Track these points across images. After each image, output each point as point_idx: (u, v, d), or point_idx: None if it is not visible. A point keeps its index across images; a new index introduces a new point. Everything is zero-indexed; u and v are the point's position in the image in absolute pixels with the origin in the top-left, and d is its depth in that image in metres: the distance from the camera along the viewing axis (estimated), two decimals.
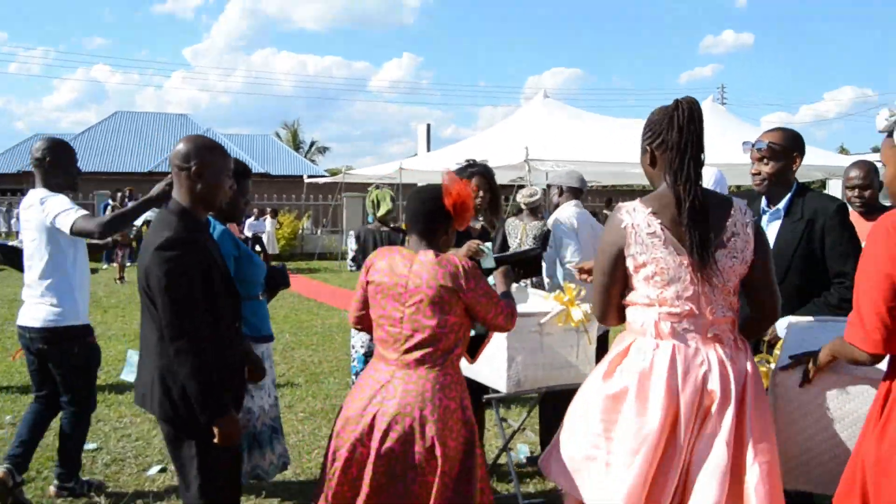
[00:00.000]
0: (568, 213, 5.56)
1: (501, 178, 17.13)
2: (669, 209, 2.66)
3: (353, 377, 6.74)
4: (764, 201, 3.68)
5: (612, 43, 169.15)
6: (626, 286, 2.77)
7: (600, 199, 26.26)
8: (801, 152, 3.61)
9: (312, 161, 50.09)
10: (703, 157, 2.69)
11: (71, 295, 4.21)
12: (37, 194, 4.22)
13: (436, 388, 2.88)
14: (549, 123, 17.38)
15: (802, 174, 19.21)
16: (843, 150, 46.18)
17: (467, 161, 4.73)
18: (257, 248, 19.86)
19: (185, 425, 2.94)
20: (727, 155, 16.18)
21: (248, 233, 20.09)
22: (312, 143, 57.38)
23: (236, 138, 43.40)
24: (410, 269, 2.95)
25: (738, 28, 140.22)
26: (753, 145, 3.66)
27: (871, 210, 4.71)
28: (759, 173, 3.62)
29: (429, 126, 26.05)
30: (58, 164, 4.30)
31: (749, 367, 2.67)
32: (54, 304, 4.17)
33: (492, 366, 3.88)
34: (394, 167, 17.58)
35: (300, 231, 24.80)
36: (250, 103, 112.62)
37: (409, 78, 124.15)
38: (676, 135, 2.65)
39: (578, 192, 5.74)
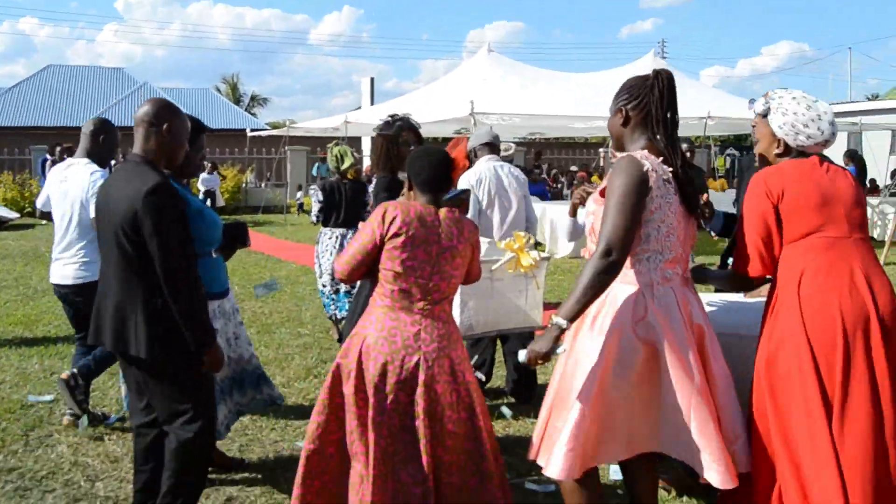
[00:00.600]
0: (476, 168, 5.69)
1: (447, 131, 17.25)
2: (667, 163, 2.94)
3: (332, 316, 6.90)
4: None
5: None
6: None
7: (556, 152, 26.61)
8: None
9: (252, 114, 49.34)
10: (678, 119, 3.02)
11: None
12: (88, 168, 4.74)
13: (455, 330, 3.22)
14: (494, 77, 17.44)
15: (738, 128, 19.66)
16: None
17: (390, 116, 4.73)
18: (208, 202, 19.71)
19: (170, 362, 3.18)
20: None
21: (201, 187, 19.94)
22: (253, 97, 56.54)
23: (175, 92, 42.52)
24: (439, 222, 3.13)
25: None
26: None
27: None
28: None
29: (372, 80, 25.96)
30: (111, 143, 4.95)
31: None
32: (85, 263, 4.70)
33: None
34: (339, 120, 17.51)
35: (244, 185, 24.59)
36: (187, 57, 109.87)
37: (350, 31, 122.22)
38: (659, 100, 2.95)
39: (492, 146, 5.85)
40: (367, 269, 3.18)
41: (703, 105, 15.83)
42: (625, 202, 2.79)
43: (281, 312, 8.55)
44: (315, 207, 6.90)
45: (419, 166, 3.22)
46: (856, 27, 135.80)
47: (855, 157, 16.32)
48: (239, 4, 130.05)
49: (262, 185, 26.54)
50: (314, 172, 23.34)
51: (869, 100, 39.70)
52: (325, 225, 6.96)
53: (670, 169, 2.91)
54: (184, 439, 3.25)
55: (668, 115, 2.97)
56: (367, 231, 3.12)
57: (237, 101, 51.48)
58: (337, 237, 6.88)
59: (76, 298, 4.75)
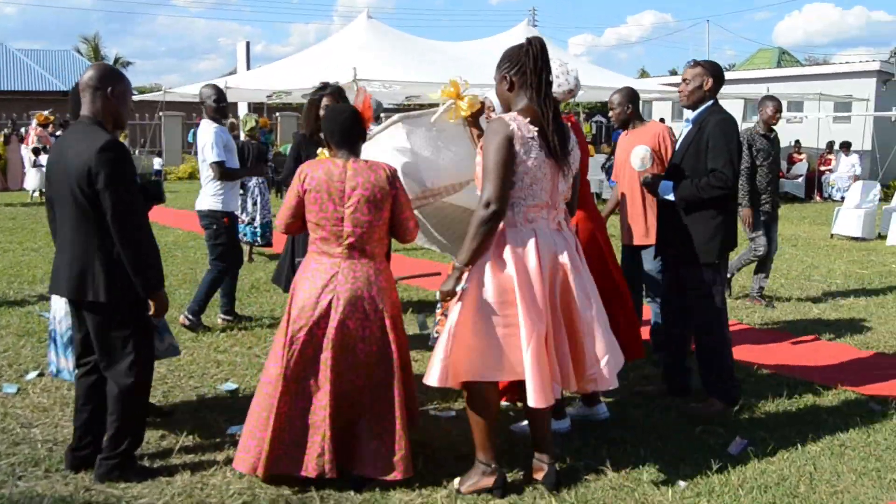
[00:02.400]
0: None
1: None
2: (536, 121, 3.42)
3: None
4: (686, 114, 4.83)
5: None
6: None
7: None
8: (712, 76, 4.65)
9: None
10: (552, 79, 3.52)
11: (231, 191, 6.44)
12: (212, 126, 6.23)
13: (377, 272, 3.64)
14: (373, 44, 17.73)
15: (605, 96, 20.73)
16: (643, 73, 49.14)
17: (322, 83, 5.37)
18: None
19: (123, 308, 3.55)
20: None
21: None
22: (117, 59, 54.27)
23: (34, 54, 40.52)
24: (346, 174, 3.57)
25: None
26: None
27: (625, 126, 5.74)
28: (682, 91, 4.77)
29: (248, 44, 25.58)
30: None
31: (575, 241, 3.70)
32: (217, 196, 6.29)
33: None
34: (219, 85, 17.40)
35: None
36: (41, 15, 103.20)
37: None
38: (533, 64, 3.43)
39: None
40: (300, 222, 3.66)
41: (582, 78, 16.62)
42: (496, 159, 3.33)
43: (177, 275, 8.74)
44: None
45: (330, 126, 3.71)
46: (712, 0, 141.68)
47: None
48: None
49: (136, 151, 25.89)
50: (190, 139, 22.99)
51: (726, 70, 42.00)
52: None
53: (536, 128, 3.39)
54: (124, 385, 3.63)
55: (543, 77, 3.45)
56: (292, 188, 3.63)
57: None
58: (252, 183, 9.77)
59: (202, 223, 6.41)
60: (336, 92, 5.46)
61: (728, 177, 4.44)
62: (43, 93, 34.88)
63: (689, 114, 4.74)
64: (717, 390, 4.67)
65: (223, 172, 6.15)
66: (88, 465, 3.79)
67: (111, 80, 3.60)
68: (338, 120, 3.70)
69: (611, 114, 5.80)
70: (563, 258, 3.51)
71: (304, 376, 3.58)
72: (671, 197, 4.63)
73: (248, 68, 25.23)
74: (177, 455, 4.03)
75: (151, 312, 3.63)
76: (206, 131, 6.23)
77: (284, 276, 5.80)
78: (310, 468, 3.57)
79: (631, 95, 5.68)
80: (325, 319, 3.55)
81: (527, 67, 3.45)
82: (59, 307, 4.35)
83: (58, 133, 19.68)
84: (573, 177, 3.70)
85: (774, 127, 7.47)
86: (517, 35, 20.96)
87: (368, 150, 3.93)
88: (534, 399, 3.34)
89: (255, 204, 9.72)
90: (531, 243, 3.42)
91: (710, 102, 4.66)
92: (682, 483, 3.76)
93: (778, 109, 7.40)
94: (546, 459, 3.67)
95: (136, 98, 23.37)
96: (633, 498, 3.63)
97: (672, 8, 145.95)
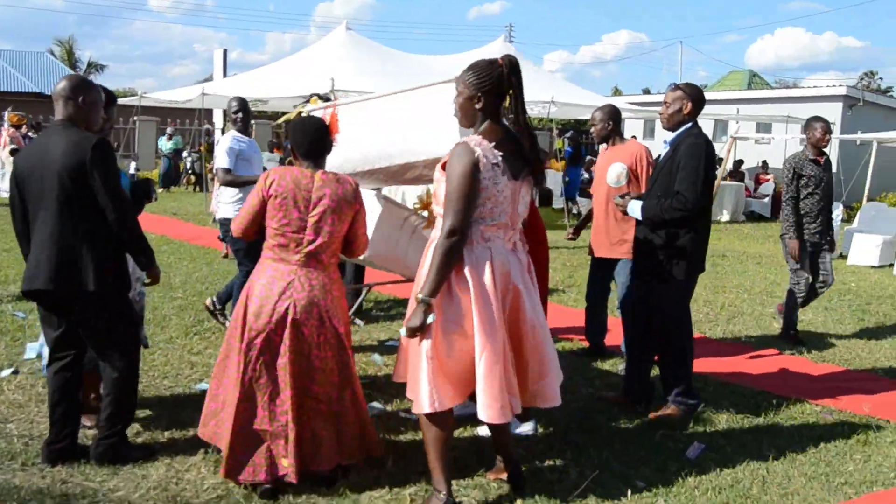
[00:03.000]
0: None
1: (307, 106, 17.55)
2: (505, 143, 3.40)
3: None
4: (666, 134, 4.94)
5: None
6: None
7: None
8: (692, 100, 4.77)
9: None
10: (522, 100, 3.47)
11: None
12: (230, 134, 6.51)
13: (331, 282, 3.73)
14: (351, 56, 17.88)
15: (577, 114, 20.90)
16: (616, 91, 49.73)
17: (313, 94, 5.54)
18: None
19: (111, 296, 3.80)
20: None
21: None
22: (90, 63, 53.92)
23: (6, 54, 40.09)
24: (313, 184, 3.66)
25: None
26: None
27: (605, 141, 5.96)
28: (663, 114, 4.86)
29: (225, 51, 25.51)
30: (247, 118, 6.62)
31: (527, 260, 3.65)
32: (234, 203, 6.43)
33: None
34: (195, 92, 17.45)
35: None
36: (10, 15, 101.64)
37: None
38: (505, 83, 3.39)
39: None
40: (258, 227, 3.77)
41: (547, 91, 16.95)
42: (461, 187, 3.28)
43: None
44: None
45: (297, 137, 3.81)
46: (687, 22, 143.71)
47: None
48: None
49: None
50: (160, 146, 22.91)
51: None
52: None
53: (500, 153, 3.34)
54: (118, 367, 3.87)
55: (519, 97, 3.42)
56: (255, 193, 3.73)
57: (73, 66, 48.96)
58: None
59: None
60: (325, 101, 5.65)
61: (688, 199, 4.55)
62: (15, 94, 34.56)
63: (669, 135, 4.87)
64: (678, 398, 4.85)
65: (225, 179, 6.32)
66: (65, 459, 3.90)
67: (82, 89, 3.83)
68: (308, 131, 3.79)
69: (592, 129, 5.97)
70: (516, 278, 3.50)
71: (264, 381, 3.66)
72: (639, 216, 4.80)
73: (225, 75, 25.24)
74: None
75: (149, 282, 4.16)
76: (223, 139, 6.52)
77: None
78: (268, 472, 3.66)
79: (613, 113, 5.90)
80: (283, 325, 3.62)
81: (501, 88, 3.40)
82: None
83: (30, 134, 19.62)
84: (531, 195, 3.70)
85: (825, 149, 6.76)
86: (494, 50, 21.22)
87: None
88: (484, 413, 3.37)
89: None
90: (486, 262, 3.40)
91: (689, 125, 4.79)
92: (640, 483, 3.92)
93: (827, 131, 6.67)
94: (509, 461, 3.79)
95: None
96: (595, 496, 3.78)
97: (646, 28, 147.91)
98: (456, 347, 3.40)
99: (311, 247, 3.67)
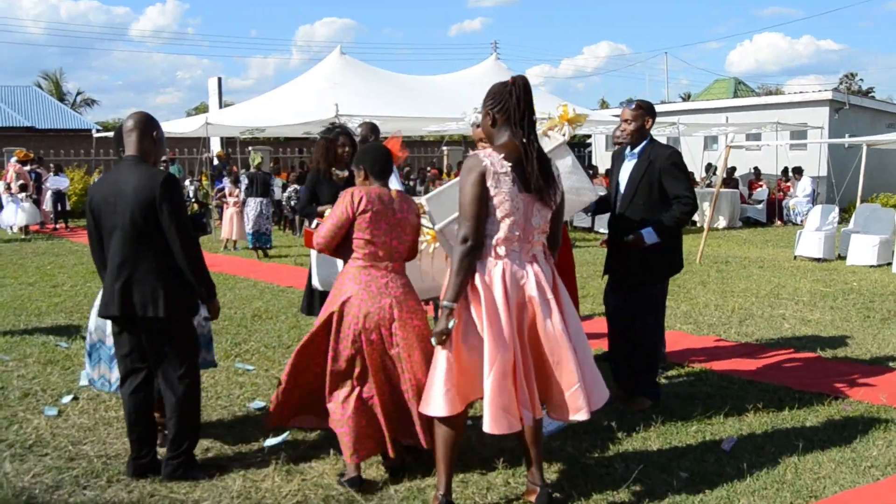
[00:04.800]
0: None
1: (313, 131, 17.94)
2: (514, 155, 3.59)
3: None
4: (628, 149, 5.34)
5: None
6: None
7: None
8: (650, 115, 5.30)
9: (79, 113, 47.24)
10: (535, 118, 3.70)
11: None
12: None
13: (409, 284, 4.19)
14: (349, 80, 18.24)
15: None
16: (603, 104, 50.29)
17: (332, 124, 5.88)
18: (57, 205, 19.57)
19: (177, 323, 4.10)
20: None
21: (51, 188, 19.66)
22: (78, 93, 54.20)
23: None
24: (394, 201, 4.12)
25: None
26: (624, 108, 5.37)
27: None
28: (625, 130, 5.28)
29: (220, 79, 25.93)
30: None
31: (552, 274, 3.77)
32: None
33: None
34: (198, 122, 17.75)
35: None
36: None
37: (175, 25, 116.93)
38: (516, 102, 3.63)
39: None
40: (341, 240, 4.13)
41: (538, 107, 17.37)
42: (470, 196, 3.52)
43: None
44: (244, 186, 14.87)
45: (372, 159, 4.23)
46: (669, 31, 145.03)
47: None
48: None
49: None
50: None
51: (683, 99, 43.22)
52: (249, 196, 14.51)
53: (509, 164, 3.53)
54: (182, 392, 4.12)
55: (526, 115, 3.64)
56: (341, 209, 4.08)
57: (61, 100, 49.15)
58: (258, 202, 14.31)
59: None
60: (348, 131, 5.94)
61: (690, 198, 5.13)
62: (7, 129, 34.75)
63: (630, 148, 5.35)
64: (648, 390, 5.31)
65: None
66: (149, 472, 4.18)
67: (154, 125, 4.22)
68: (379, 155, 4.25)
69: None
70: (532, 291, 3.62)
71: (383, 368, 4.08)
72: (658, 238, 5.13)
73: (220, 103, 25.62)
74: (224, 464, 4.40)
75: (210, 316, 4.39)
76: None
77: (311, 303, 6.17)
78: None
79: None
80: (390, 319, 4.04)
81: (510, 105, 3.63)
82: (104, 325, 4.71)
83: (37, 169, 19.88)
84: (555, 210, 3.76)
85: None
86: (486, 68, 21.69)
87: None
88: (488, 425, 3.51)
89: (251, 216, 14.19)
90: (498, 275, 3.56)
91: (649, 137, 5.34)
92: (683, 474, 4.22)
93: None
94: (537, 482, 3.86)
95: (101, 135, 23.52)
96: (643, 485, 4.09)
97: (626, 39, 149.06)
98: (464, 357, 3.59)
99: (397, 254, 4.14)
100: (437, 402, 3.61)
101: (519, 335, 3.62)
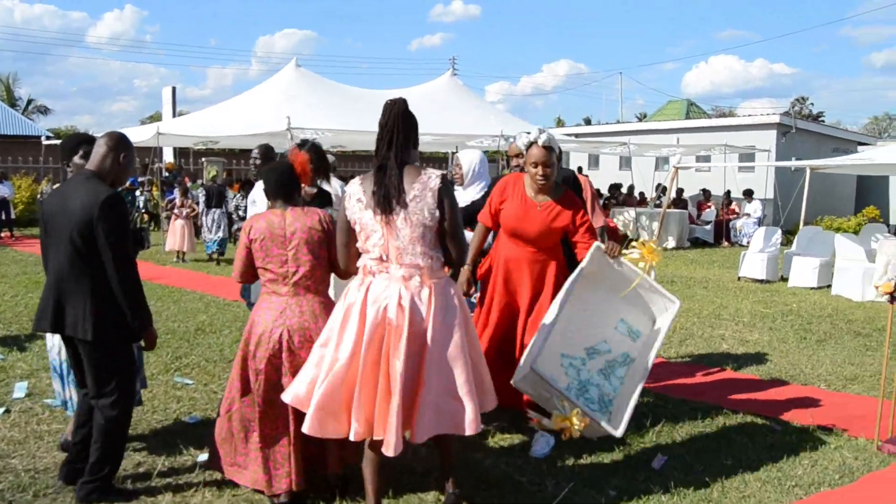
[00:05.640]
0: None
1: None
2: (370, 178, 3.70)
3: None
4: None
5: (343, 5, 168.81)
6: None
7: (351, 164, 27.67)
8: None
9: (31, 120, 46.29)
10: (410, 139, 3.71)
11: None
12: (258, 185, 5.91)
13: (322, 306, 4.07)
14: (301, 93, 18.23)
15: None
16: (560, 122, 50.80)
17: (303, 139, 5.78)
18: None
19: (107, 346, 3.95)
20: (461, 126, 18.06)
21: None
22: (30, 101, 53.13)
23: None
24: (285, 222, 4.03)
25: None
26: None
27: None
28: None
29: (174, 89, 25.72)
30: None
31: (436, 300, 3.65)
32: None
33: None
34: (150, 132, 17.58)
35: (40, 195, 23.67)
36: None
37: (133, 32, 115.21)
38: (383, 121, 3.70)
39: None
40: (252, 270, 4.13)
41: (496, 125, 17.64)
42: (339, 223, 3.87)
43: None
44: (202, 198, 15.42)
45: (268, 181, 4.19)
46: (628, 51, 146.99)
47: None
48: None
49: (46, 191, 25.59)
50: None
51: (638, 119, 43.88)
52: (208, 208, 15.07)
53: (363, 189, 3.68)
54: (109, 416, 4.00)
55: (392, 136, 3.66)
56: (241, 242, 4.12)
57: (12, 105, 48.15)
58: (213, 213, 15.05)
59: None
60: (315, 146, 5.88)
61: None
62: None
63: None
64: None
65: None
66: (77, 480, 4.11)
67: (125, 147, 4.10)
68: (276, 174, 4.18)
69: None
70: (391, 313, 3.59)
71: (273, 400, 3.97)
72: None
73: (174, 113, 25.39)
74: (156, 479, 4.37)
75: (144, 346, 4.09)
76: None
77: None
78: (286, 483, 3.99)
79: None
80: (280, 349, 3.98)
81: (388, 128, 3.68)
82: (56, 341, 4.66)
83: None
84: (424, 227, 3.64)
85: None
86: (442, 84, 21.80)
87: None
88: (305, 426, 3.67)
89: (210, 227, 15.02)
90: (361, 293, 3.68)
91: None
92: (612, 492, 4.29)
93: None
94: (448, 486, 3.95)
95: (51, 142, 23.17)
96: (573, 503, 4.15)
97: (586, 58, 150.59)
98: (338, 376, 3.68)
99: (296, 277, 4.02)
100: (308, 421, 3.67)
101: (372, 356, 3.62)
